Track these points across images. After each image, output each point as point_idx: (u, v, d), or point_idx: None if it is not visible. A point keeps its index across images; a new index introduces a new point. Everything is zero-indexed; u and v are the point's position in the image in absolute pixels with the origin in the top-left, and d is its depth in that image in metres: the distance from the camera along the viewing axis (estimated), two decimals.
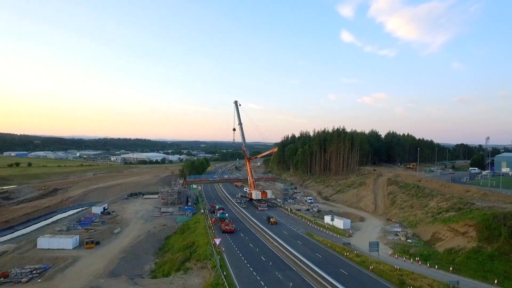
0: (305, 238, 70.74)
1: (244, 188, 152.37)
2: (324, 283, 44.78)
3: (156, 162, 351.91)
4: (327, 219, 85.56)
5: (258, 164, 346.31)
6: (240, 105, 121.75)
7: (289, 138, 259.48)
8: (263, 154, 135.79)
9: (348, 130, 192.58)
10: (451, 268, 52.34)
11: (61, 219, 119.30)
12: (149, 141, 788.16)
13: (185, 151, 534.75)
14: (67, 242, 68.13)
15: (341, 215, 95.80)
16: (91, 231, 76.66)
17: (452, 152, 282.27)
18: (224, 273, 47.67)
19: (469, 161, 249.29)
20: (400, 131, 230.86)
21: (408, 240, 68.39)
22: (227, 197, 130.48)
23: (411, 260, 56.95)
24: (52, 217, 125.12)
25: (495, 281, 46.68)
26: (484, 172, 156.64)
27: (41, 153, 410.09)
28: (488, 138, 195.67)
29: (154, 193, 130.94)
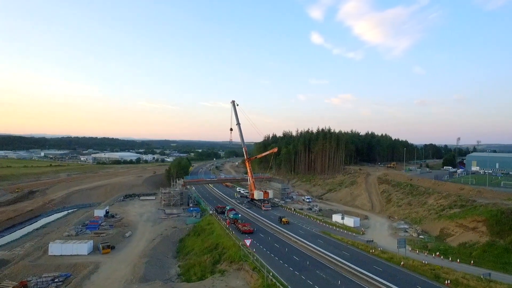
0: (323, 237, 72.46)
1: (237, 188, 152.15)
2: (373, 282, 46.48)
3: (131, 162, 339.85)
4: (336, 217, 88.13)
5: (237, 163, 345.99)
6: (237, 105, 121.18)
7: (270, 138, 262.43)
8: (263, 154, 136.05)
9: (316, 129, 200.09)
10: (472, 262, 56.43)
11: (49, 223, 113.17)
12: (117, 140, 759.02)
13: (157, 151, 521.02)
14: (81, 248, 64.75)
15: (341, 213, 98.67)
16: (102, 235, 73.26)
17: (421, 151, 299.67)
18: (271, 274, 47.96)
19: (438, 160, 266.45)
20: (364, 132, 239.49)
21: (420, 236, 72.36)
22: (225, 197, 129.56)
23: (433, 255, 60.51)
24: (36, 221, 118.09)
25: None
26: (458, 171, 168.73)
27: (0, 152, 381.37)
28: (459, 138, 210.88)
29: (150, 195, 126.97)
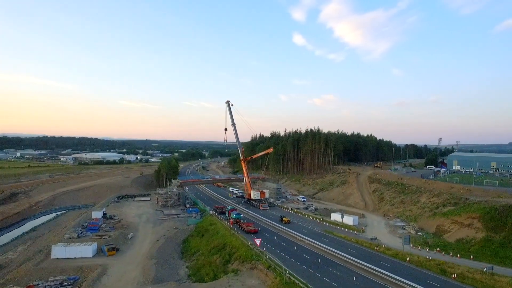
0: (326, 235, 74.04)
1: (230, 188, 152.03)
2: (387, 278, 48.24)
3: (114, 162, 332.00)
4: (335, 216, 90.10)
5: (223, 163, 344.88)
6: (232, 105, 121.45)
7: (258, 138, 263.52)
8: (259, 154, 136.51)
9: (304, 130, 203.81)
10: (471, 256, 59.42)
11: (39, 226, 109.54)
12: (96, 139, 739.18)
13: (140, 151, 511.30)
14: (86, 250, 63.38)
15: (341, 212, 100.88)
16: (104, 237, 71.81)
17: (404, 152, 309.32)
18: (287, 272, 48.83)
19: (419, 160, 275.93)
20: (346, 132, 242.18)
21: (419, 233, 75.25)
22: (219, 197, 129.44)
23: (434, 251, 63.18)
24: (24, 224, 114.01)
25: None
26: (442, 170, 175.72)
27: None
28: (440, 139, 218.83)
29: (144, 195, 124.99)
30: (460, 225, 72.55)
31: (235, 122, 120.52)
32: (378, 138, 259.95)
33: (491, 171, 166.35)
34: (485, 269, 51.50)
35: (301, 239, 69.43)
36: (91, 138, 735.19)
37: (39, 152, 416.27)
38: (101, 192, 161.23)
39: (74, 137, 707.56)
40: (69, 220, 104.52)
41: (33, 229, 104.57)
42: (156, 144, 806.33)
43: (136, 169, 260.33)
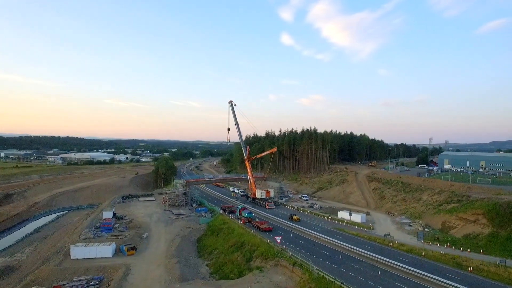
0: (339, 232, 76.15)
1: (231, 188, 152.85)
2: (410, 271, 50.55)
3: (105, 162, 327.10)
4: (343, 214, 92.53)
5: (215, 163, 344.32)
6: (235, 105, 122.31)
7: (252, 138, 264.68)
8: (262, 154, 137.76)
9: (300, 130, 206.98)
10: (481, 251, 62.56)
11: (41, 227, 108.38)
12: (82, 139, 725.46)
13: (129, 151, 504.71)
14: (106, 250, 63.35)
15: (340, 210, 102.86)
16: (121, 237, 71.73)
17: (394, 151, 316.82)
18: (315, 268, 50.43)
19: (409, 159, 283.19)
20: (337, 132, 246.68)
21: (426, 230, 78.20)
22: (223, 197, 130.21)
23: (445, 246, 66.05)
24: (24, 226, 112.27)
25: None
26: (434, 169, 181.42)
27: None
28: (431, 138, 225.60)
29: (148, 195, 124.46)
30: (465, 221, 75.89)
31: (238, 122, 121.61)
32: (370, 138, 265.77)
33: (481, 170, 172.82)
34: (498, 262, 54.52)
35: (317, 236, 71.25)
36: (77, 138, 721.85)
37: (24, 152, 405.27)
38: (99, 193, 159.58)
39: (59, 137, 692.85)
40: (78, 220, 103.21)
41: (37, 231, 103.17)
42: (143, 144, 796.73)
43: (129, 169, 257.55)
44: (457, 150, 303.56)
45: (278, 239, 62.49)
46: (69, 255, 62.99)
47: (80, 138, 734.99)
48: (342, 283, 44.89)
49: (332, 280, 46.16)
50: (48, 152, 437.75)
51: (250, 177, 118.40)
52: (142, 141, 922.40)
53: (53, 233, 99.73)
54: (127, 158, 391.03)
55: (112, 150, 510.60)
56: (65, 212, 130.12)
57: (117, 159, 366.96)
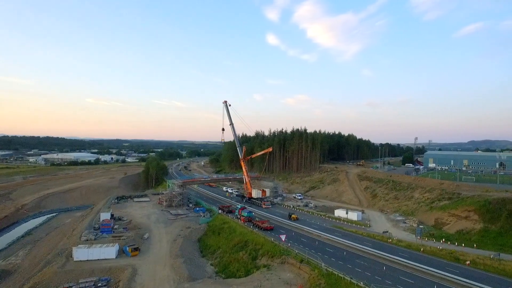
0: (338, 230, 78.03)
1: (224, 187, 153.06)
2: (411, 265, 52.76)
3: (89, 163, 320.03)
4: (339, 212, 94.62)
5: (203, 163, 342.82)
6: (230, 105, 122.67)
7: (241, 138, 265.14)
8: (257, 154, 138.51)
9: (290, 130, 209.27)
10: (475, 245, 65.65)
11: (33, 229, 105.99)
12: (63, 139, 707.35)
13: (113, 151, 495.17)
14: (110, 251, 62.80)
15: (334, 208, 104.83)
16: (122, 238, 71.12)
17: (380, 150, 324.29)
18: (323, 264, 51.85)
19: (394, 158, 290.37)
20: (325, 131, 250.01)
21: (420, 226, 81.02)
22: (218, 197, 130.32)
23: (441, 241, 68.87)
24: (14, 228, 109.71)
25: None
26: (421, 168, 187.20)
27: None
28: (416, 138, 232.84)
29: (142, 196, 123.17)
30: (457, 218, 79.23)
31: (233, 122, 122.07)
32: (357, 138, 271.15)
33: (464, 168, 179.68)
34: (492, 255, 57.53)
35: (318, 234, 72.86)
36: (58, 138, 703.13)
37: (3, 152, 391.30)
38: (89, 194, 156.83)
39: (39, 137, 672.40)
40: (74, 222, 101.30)
41: (28, 233, 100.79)
42: (127, 144, 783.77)
43: (115, 170, 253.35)
44: (439, 150, 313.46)
45: (283, 237, 63.59)
46: (71, 257, 62.22)
47: (61, 138, 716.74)
48: (351, 278, 46.47)
49: (342, 276, 47.68)
50: (28, 152, 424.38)
51: (245, 177, 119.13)
52: (126, 141, 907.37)
53: (46, 236, 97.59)
54: (112, 158, 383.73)
55: (96, 150, 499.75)
56: (55, 214, 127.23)
57: (102, 159, 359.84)
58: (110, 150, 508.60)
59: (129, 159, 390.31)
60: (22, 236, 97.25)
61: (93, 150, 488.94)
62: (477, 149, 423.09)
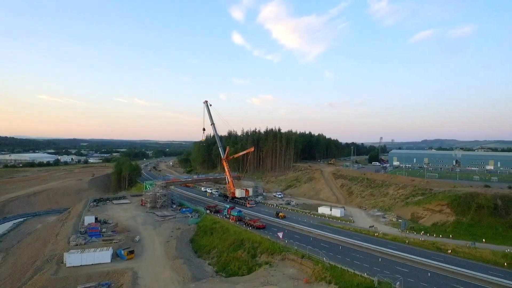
0: (326, 226, 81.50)
1: (202, 187, 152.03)
2: (404, 256, 57.16)
3: (48, 164, 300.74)
4: (323, 209, 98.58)
5: (171, 163, 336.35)
6: (210, 105, 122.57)
7: (212, 137, 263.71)
8: (240, 154, 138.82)
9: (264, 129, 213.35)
10: (450, 236, 72.21)
11: (1, 236, 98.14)
12: (13, 138, 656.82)
13: (73, 151, 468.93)
14: (105, 255, 60.89)
15: (314, 206, 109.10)
16: (114, 241, 68.90)
17: (348, 149, 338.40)
18: (325, 258, 54.50)
19: (359, 157, 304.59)
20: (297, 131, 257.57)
21: (399, 220, 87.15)
22: (197, 197, 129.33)
23: (420, 234, 74.74)
24: None
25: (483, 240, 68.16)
26: (387, 166, 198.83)
27: None
28: (381, 138, 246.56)
29: (121, 198, 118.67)
30: (432, 212, 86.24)
31: (214, 122, 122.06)
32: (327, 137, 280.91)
33: (425, 166, 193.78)
34: (469, 244, 63.88)
35: (309, 231, 75.75)
36: (7, 137, 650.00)
37: None
38: (57, 197, 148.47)
39: None
40: (53, 227, 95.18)
41: None
42: (86, 144, 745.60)
43: (79, 171, 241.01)
44: (399, 148, 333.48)
45: (280, 235, 65.52)
46: (62, 262, 59.56)
47: (10, 137, 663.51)
48: (354, 270, 49.54)
49: (345, 268, 50.60)
50: None
51: (228, 176, 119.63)
52: (84, 140, 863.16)
53: (18, 243, 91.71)
54: (72, 159, 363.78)
55: (52, 150, 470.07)
56: (22, 219, 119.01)
57: (62, 160, 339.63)
58: (69, 150, 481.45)
59: (91, 160, 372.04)
60: None
61: (50, 151, 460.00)
62: (430, 148, 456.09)
